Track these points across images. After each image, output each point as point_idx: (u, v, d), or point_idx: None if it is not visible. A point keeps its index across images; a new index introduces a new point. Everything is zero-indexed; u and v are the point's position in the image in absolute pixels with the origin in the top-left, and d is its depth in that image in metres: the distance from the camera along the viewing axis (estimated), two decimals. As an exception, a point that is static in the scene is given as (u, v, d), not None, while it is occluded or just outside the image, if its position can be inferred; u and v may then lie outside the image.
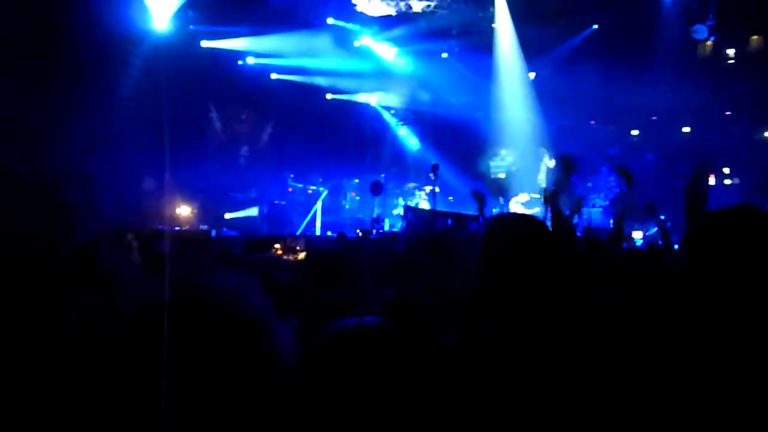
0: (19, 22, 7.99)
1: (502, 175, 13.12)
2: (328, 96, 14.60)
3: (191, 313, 0.78)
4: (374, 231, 11.58)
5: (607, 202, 11.23)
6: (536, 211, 12.07)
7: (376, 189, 12.88)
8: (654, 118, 14.29)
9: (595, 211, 11.91)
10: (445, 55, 14.69)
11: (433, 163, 10.79)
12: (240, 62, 13.45)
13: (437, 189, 11.38)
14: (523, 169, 13.23)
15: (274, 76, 13.86)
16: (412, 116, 16.00)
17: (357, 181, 14.40)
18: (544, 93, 14.11)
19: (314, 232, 12.12)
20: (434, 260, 4.72)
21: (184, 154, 11.63)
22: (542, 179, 12.49)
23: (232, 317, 0.80)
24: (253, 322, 0.81)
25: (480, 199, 5.46)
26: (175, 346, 0.72)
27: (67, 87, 9.18)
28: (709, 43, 13.59)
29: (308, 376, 1.13)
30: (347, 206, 13.95)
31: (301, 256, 7.78)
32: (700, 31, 12.99)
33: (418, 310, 2.38)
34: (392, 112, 16.00)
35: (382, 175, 13.01)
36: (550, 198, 4.28)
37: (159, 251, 4.75)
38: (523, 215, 1.86)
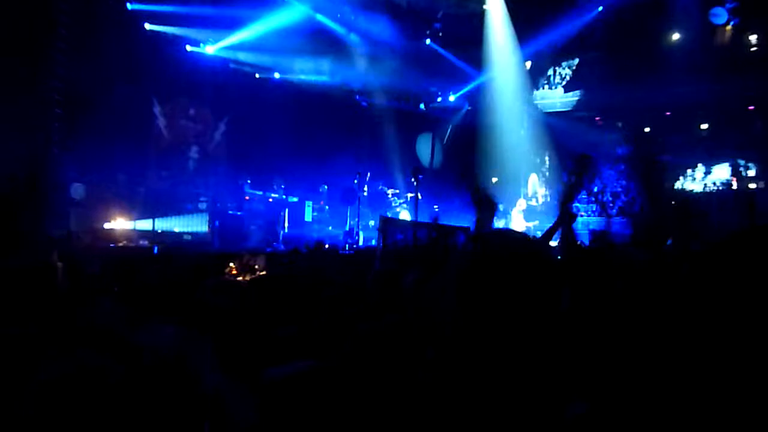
0: None
1: (495, 180, 13.28)
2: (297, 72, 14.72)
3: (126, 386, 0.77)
4: (346, 246, 11.73)
5: (614, 210, 11.49)
6: (535, 224, 12.37)
7: (349, 197, 13.20)
8: (668, 113, 14.55)
9: (598, 221, 12.23)
10: (428, 41, 15.00)
11: (414, 165, 10.83)
12: (189, 48, 13.52)
13: (420, 196, 11.41)
14: (517, 172, 13.36)
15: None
16: (392, 110, 16.26)
17: (326, 187, 14.49)
18: (542, 84, 14.37)
19: (276, 247, 12.00)
20: (416, 281, 4.92)
21: (120, 155, 11.58)
22: (536, 181, 12.70)
23: (177, 391, 0.78)
24: (198, 395, 0.80)
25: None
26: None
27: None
28: (728, 28, 13.89)
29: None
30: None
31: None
32: (719, 14, 13.32)
33: (392, 347, 2.39)
34: (369, 105, 16.25)
35: (356, 181, 13.14)
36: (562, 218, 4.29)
37: (89, 272, 4.77)
38: (521, 239, 1.81)
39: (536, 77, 14.97)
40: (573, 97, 15.01)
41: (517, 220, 12.61)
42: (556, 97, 15.18)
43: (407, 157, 15.51)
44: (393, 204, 14.20)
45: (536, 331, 1.54)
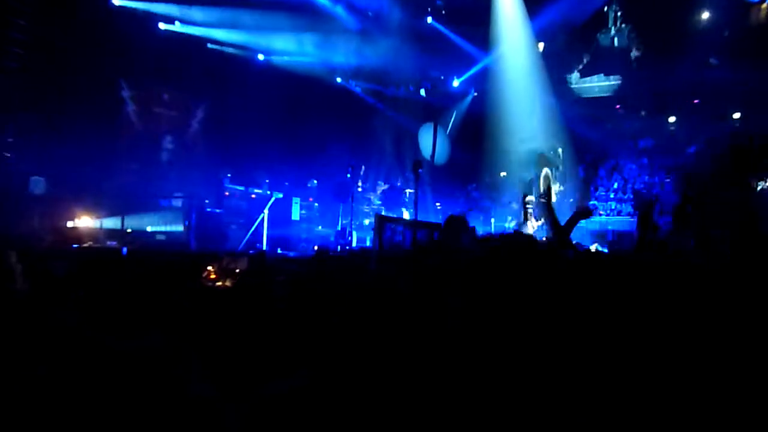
0: None
1: (503, 174, 13.29)
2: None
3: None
4: (338, 247, 11.81)
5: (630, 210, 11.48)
6: (540, 223, 12.41)
7: (341, 193, 13.19)
8: (696, 101, 14.57)
9: (619, 221, 12.27)
10: (429, 20, 15.08)
11: (415, 159, 10.83)
12: (162, 26, 13.52)
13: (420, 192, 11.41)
14: (528, 165, 13.38)
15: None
16: (389, 97, 16.31)
17: (315, 182, 14.47)
18: (555, 68, 14.34)
19: (260, 248, 11.99)
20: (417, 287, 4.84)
21: (84, 145, 11.48)
22: (549, 176, 12.77)
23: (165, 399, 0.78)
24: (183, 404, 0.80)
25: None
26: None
27: None
28: (764, 6, 13.87)
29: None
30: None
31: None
32: (754, -9, 13.31)
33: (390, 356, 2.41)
34: (364, 91, 16.32)
35: (348, 175, 13.12)
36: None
37: (54, 275, 4.76)
38: (527, 242, 1.84)
39: (550, 61, 15.00)
40: (590, 82, 15.05)
41: (530, 220, 12.60)
42: (571, 83, 15.24)
43: (406, 149, 15.54)
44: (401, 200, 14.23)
45: (542, 333, 1.67)
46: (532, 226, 12.41)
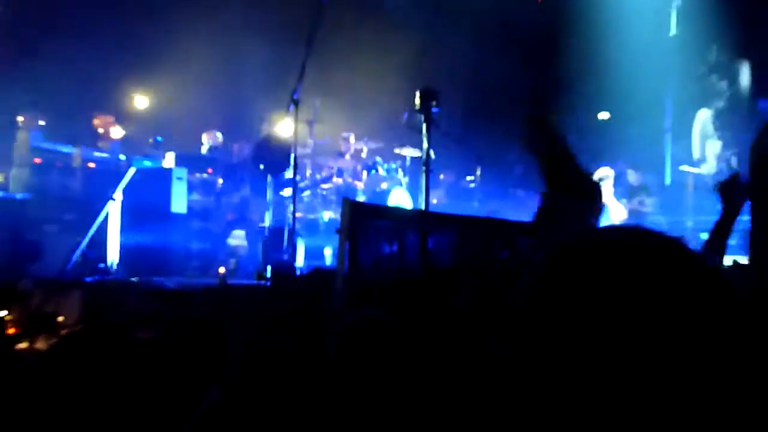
0: None
1: (604, 115, 13.81)
2: None
3: None
4: (266, 271, 11.33)
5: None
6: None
7: (272, 159, 12.89)
8: None
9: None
10: None
11: (422, 86, 10.39)
12: None
13: (433, 155, 10.98)
14: (657, 102, 13.77)
15: None
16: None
17: (220, 137, 14.21)
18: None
19: (106, 272, 11.96)
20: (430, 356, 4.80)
21: None
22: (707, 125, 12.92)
23: None
24: None
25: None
26: None
27: None
28: None
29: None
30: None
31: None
32: None
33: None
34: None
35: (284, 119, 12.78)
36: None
37: None
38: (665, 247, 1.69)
39: None
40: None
41: (614, 210, 13.07)
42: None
43: (404, 67, 15.25)
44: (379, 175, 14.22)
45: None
46: (617, 215, 13.06)
